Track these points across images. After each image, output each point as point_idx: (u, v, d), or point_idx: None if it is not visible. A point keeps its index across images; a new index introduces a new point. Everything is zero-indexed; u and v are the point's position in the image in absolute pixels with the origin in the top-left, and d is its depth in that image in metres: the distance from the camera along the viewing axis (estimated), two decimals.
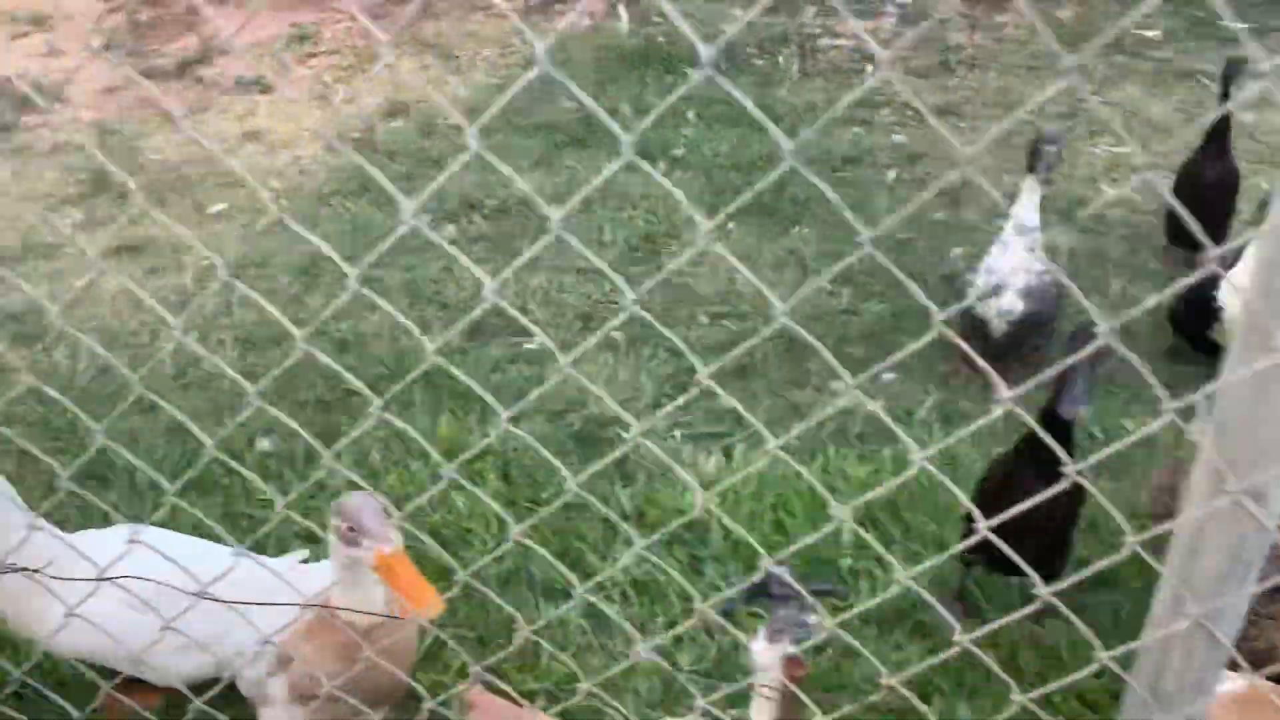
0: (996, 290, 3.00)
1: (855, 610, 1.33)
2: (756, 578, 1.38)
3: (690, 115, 4.74)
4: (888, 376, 3.19)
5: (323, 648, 1.68)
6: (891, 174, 4.28)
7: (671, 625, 2.32)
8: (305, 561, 2.30)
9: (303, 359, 1.21)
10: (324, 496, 2.72)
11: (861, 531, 1.33)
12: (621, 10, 5.50)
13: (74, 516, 2.61)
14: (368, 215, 4.19)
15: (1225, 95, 3.47)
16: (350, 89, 5.26)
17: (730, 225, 3.98)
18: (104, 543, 1.91)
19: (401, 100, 5.09)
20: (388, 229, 4.07)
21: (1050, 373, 1.20)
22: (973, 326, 3.07)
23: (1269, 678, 1.68)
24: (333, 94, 5.24)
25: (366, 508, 1.58)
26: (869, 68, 5.13)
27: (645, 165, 1.03)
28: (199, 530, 2.15)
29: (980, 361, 1.31)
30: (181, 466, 2.83)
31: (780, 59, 5.16)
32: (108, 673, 1.96)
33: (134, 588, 1.62)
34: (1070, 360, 1.32)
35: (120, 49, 5.77)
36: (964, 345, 1.34)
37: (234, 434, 2.96)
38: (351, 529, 1.58)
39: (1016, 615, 1.24)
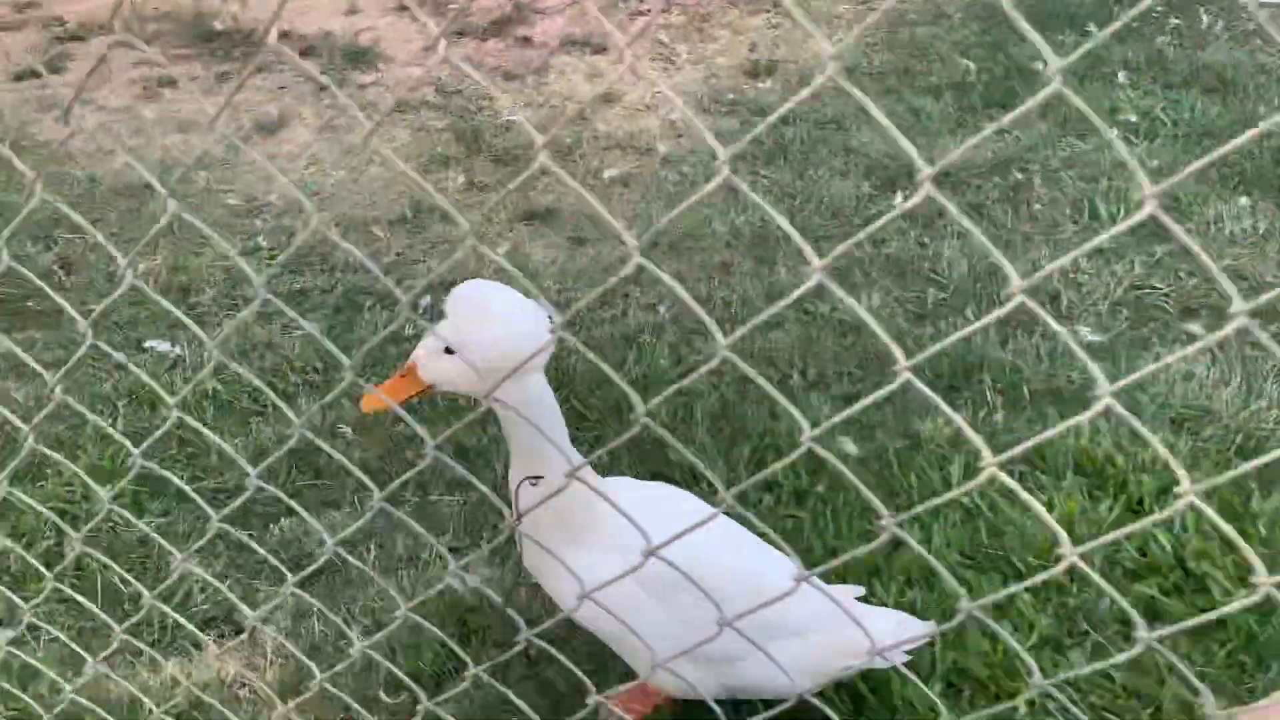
0: None
1: None
2: None
3: (1120, 76, 4.09)
4: None
5: None
6: None
7: None
8: (861, 599, 1.92)
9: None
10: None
11: None
12: None
13: None
14: (788, 182, 3.65)
15: None
16: (694, 48, 4.74)
17: (1244, 200, 3.32)
18: (642, 502, 1.51)
19: (758, 59, 4.55)
20: (814, 197, 3.52)
21: None
22: None
23: None
24: (674, 54, 4.72)
25: None
26: None
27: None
28: None
29: None
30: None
31: (1203, 17, 4.46)
32: None
33: (654, 575, 1.13)
34: None
35: (425, 7, 5.36)
36: None
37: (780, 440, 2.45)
38: None
39: None
